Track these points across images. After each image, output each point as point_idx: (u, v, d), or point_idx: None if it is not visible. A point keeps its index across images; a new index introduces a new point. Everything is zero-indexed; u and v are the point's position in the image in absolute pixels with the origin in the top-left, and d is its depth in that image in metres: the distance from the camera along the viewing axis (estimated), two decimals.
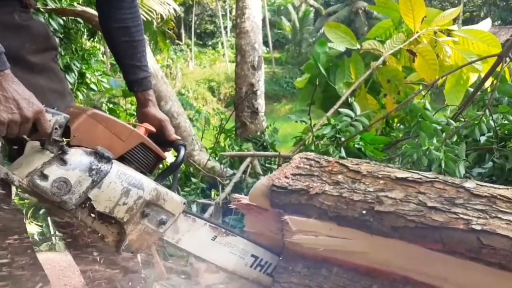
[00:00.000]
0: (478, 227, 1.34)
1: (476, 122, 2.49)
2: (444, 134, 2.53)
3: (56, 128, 1.21)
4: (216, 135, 3.86)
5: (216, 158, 3.76)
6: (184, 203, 1.45)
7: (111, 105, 5.48)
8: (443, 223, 1.39)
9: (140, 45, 1.54)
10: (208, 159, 3.71)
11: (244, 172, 3.33)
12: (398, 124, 3.08)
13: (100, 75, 5.78)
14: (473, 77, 3.47)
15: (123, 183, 1.29)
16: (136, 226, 1.35)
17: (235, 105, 4.36)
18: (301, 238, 1.68)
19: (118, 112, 5.43)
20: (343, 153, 2.51)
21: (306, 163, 1.80)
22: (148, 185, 1.34)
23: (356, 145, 2.58)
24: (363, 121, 2.67)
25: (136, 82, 1.56)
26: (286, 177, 1.79)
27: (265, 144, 4.00)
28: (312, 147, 2.67)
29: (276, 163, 3.47)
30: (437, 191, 1.49)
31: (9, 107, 1.11)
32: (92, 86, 5.69)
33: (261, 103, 4.32)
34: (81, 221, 1.30)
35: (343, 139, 2.58)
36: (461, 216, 1.39)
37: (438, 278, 1.45)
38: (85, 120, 1.28)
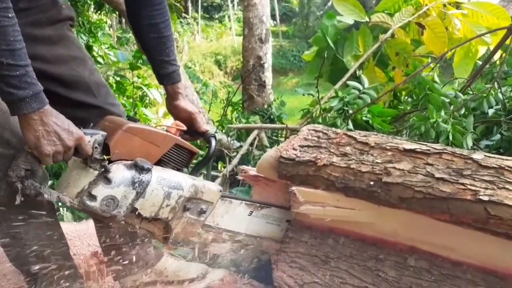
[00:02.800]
0: (486, 198, 1.34)
1: (484, 95, 2.48)
2: (452, 107, 2.52)
3: (96, 147, 1.28)
4: (223, 108, 3.86)
5: (223, 131, 3.77)
6: (220, 191, 1.55)
7: (118, 78, 5.45)
8: (451, 194, 1.40)
9: (168, 40, 1.56)
10: (216, 132, 3.72)
11: (251, 144, 3.35)
12: (406, 97, 3.06)
13: (107, 48, 5.74)
14: (482, 50, 3.43)
15: (164, 188, 1.38)
16: (179, 220, 1.45)
17: (242, 78, 4.33)
18: (309, 209, 1.70)
19: (125, 85, 5.42)
20: (350, 126, 2.51)
21: (314, 135, 1.80)
22: (186, 183, 1.43)
23: (363, 118, 2.58)
24: (371, 94, 2.66)
25: (166, 76, 1.59)
26: (294, 148, 1.79)
27: (272, 117, 3.99)
28: (320, 120, 2.66)
29: (283, 135, 3.48)
30: (445, 163, 1.50)
31: (51, 140, 1.19)
32: (99, 59, 5.65)
33: (268, 76, 4.29)
34: (130, 224, 1.40)
35: (350, 111, 2.57)
36: (469, 187, 1.39)
37: (445, 248, 1.47)
38: (121, 135, 1.33)
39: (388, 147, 1.62)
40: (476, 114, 2.51)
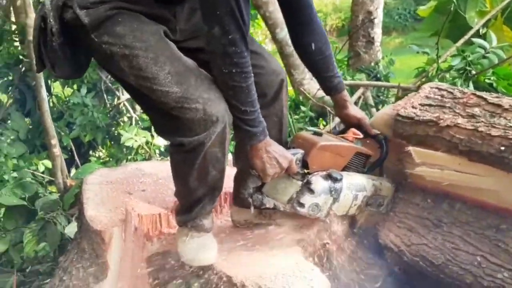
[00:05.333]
0: None
1: None
2: None
3: (297, 163, 1.58)
4: None
5: None
6: (394, 185, 1.78)
7: None
8: None
9: (330, 58, 1.75)
10: (318, 89, 3.66)
11: (355, 103, 3.26)
12: None
13: None
14: None
15: (352, 191, 1.66)
16: (363, 213, 1.75)
17: (349, 34, 4.17)
18: (425, 171, 1.65)
19: None
20: (471, 88, 2.33)
21: (437, 93, 1.72)
22: (368, 185, 1.70)
23: (487, 80, 2.37)
24: (499, 54, 2.43)
25: (332, 88, 1.78)
26: (413, 107, 1.73)
27: (378, 75, 3.82)
28: (436, 80, 2.50)
29: (390, 95, 3.35)
30: None
31: (272, 164, 1.50)
32: None
33: (377, 32, 4.07)
34: (324, 221, 1.70)
35: (473, 72, 2.38)
36: None
37: None
38: (316, 153, 1.61)
39: None
40: None
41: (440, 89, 1.71)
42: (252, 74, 1.44)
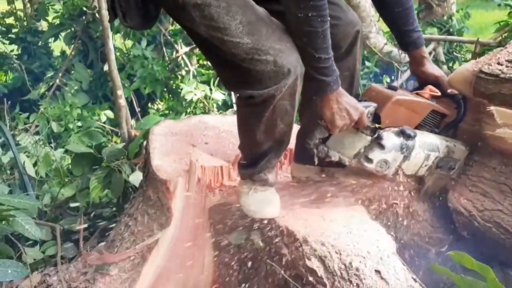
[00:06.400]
0: None
1: None
2: None
3: (368, 117, 1.51)
4: None
5: (393, 43, 3.52)
6: (468, 149, 1.69)
7: None
8: None
9: (411, 11, 1.65)
10: (385, 43, 3.49)
11: None
12: None
13: None
14: None
15: (425, 151, 1.59)
16: (432, 175, 1.68)
17: None
18: (507, 133, 1.55)
19: None
20: None
21: None
22: (442, 145, 1.63)
23: None
24: None
25: (411, 43, 1.69)
26: (499, 63, 1.60)
27: (451, 30, 3.56)
28: None
29: (463, 51, 3.13)
30: None
31: (342, 116, 1.45)
32: None
33: None
34: (391, 180, 1.64)
35: None
36: None
37: None
38: (391, 107, 1.54)
39: None
40: None
41: None
42: (328, 18, 1.36)
